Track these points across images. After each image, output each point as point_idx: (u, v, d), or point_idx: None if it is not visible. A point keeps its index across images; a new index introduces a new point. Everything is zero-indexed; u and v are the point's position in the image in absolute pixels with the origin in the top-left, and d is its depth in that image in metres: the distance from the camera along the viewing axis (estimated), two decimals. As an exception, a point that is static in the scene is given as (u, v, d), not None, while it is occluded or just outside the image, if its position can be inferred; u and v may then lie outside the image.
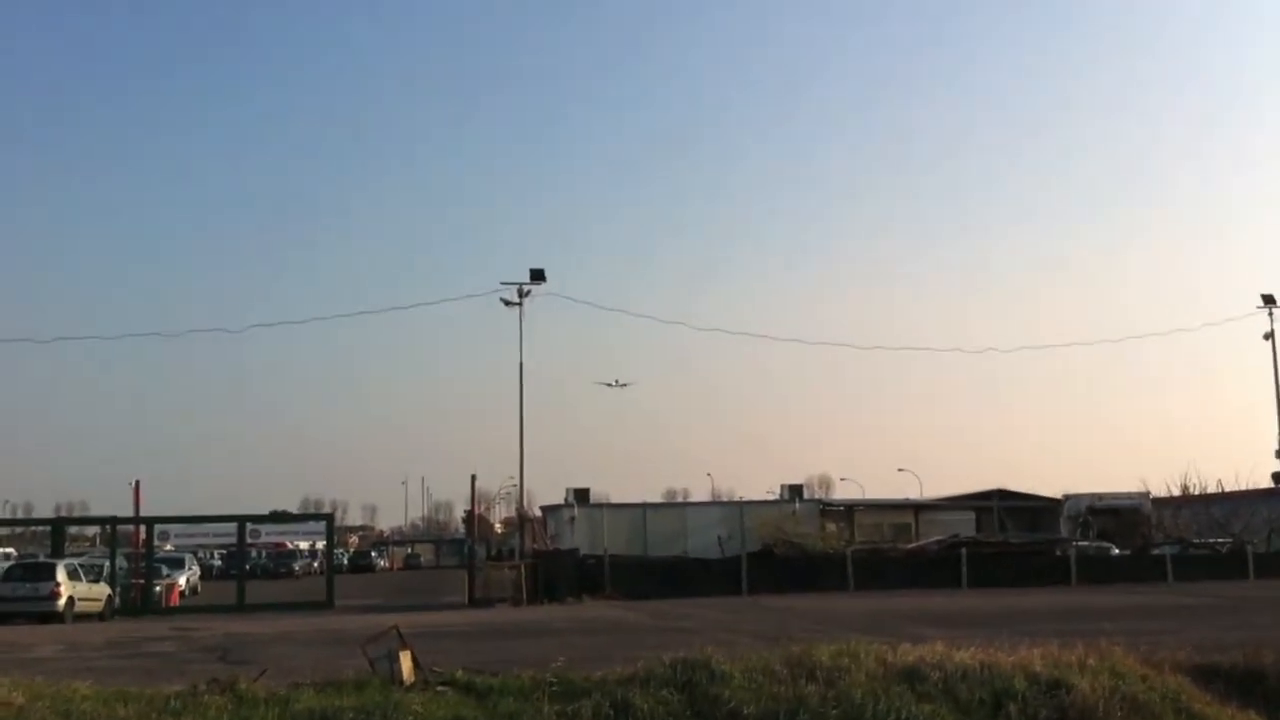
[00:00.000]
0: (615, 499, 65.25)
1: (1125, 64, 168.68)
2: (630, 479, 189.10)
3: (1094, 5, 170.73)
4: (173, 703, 12.90)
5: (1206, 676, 15.31)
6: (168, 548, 46.61)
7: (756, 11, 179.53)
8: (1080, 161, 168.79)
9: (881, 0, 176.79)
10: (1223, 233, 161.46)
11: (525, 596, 38.59)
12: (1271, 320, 54.91)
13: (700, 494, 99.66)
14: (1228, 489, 58.32)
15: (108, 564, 39.17)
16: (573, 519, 53.38)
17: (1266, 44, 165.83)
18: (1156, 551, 49.06)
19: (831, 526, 54.11)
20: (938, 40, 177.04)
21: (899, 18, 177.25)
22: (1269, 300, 54.89)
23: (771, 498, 62.53)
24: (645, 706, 12.95)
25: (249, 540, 45.12)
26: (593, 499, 58.67)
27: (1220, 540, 51.49)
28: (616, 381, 69.12)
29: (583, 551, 44.11)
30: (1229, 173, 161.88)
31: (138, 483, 41.71)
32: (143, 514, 41.26)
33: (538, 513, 63.61)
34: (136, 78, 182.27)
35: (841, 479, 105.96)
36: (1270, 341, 54.95)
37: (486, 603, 38.09)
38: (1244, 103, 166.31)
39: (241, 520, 42.90)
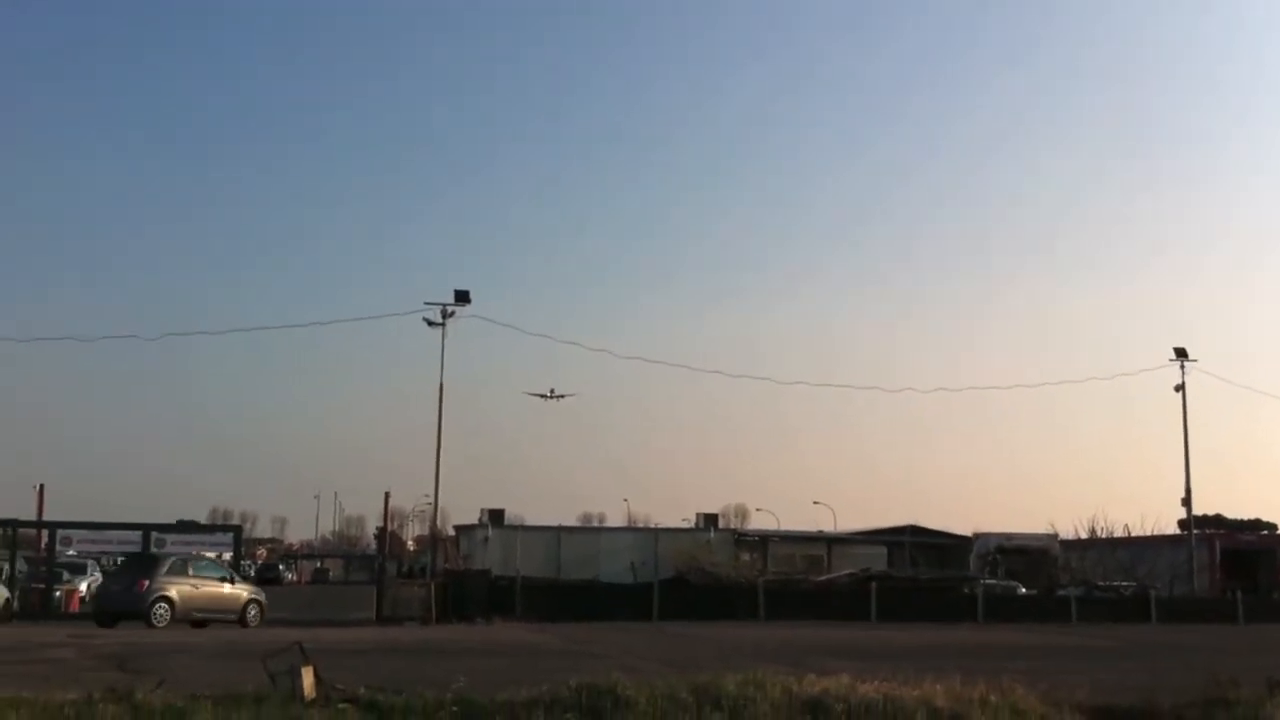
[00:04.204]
0: (530, 521, 64.81)
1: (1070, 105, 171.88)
2: (546, 502, 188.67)
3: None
4: (67, 710, 12.63)
5: (1104, 717, 15.49)
6: (70, 553, 45.56)
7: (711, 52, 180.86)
8: (1007, 210, 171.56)
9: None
10: (1143, 287, 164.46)
11: (435, 615, 38.25)
12: (1183, 373, 56.39)
13: (616, 519, 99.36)
14: (1134, 534, 59.32)
15: (7, 566, 38.31)
16: (486, 539, 53.16)
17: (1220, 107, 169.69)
18: (1062, 593, 49.71)
19: (745, 556, 54.35)
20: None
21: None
22: (1181, 353, 56.48)
23: (687, 526, 62.63)
24: (548, 730, 12.87)
25: (154, 550, 44.25)
26: (507, 520, 58.43)
27: (1125, 584, 52.33)
28: (552, 392, 64.92)
29: (495, 573, 43.86)
30: (1157, 232, 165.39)
31: (41, 486, 40.99)
32: (45, 518, 40.46)
33: (451, 532, 63.18)
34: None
35: (757, 509, 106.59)
36: (1181, 393, 56.34)
37: (395, 620, 37.65)
38: (1178, 166, 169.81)
39: (147, 529, 42.01)
